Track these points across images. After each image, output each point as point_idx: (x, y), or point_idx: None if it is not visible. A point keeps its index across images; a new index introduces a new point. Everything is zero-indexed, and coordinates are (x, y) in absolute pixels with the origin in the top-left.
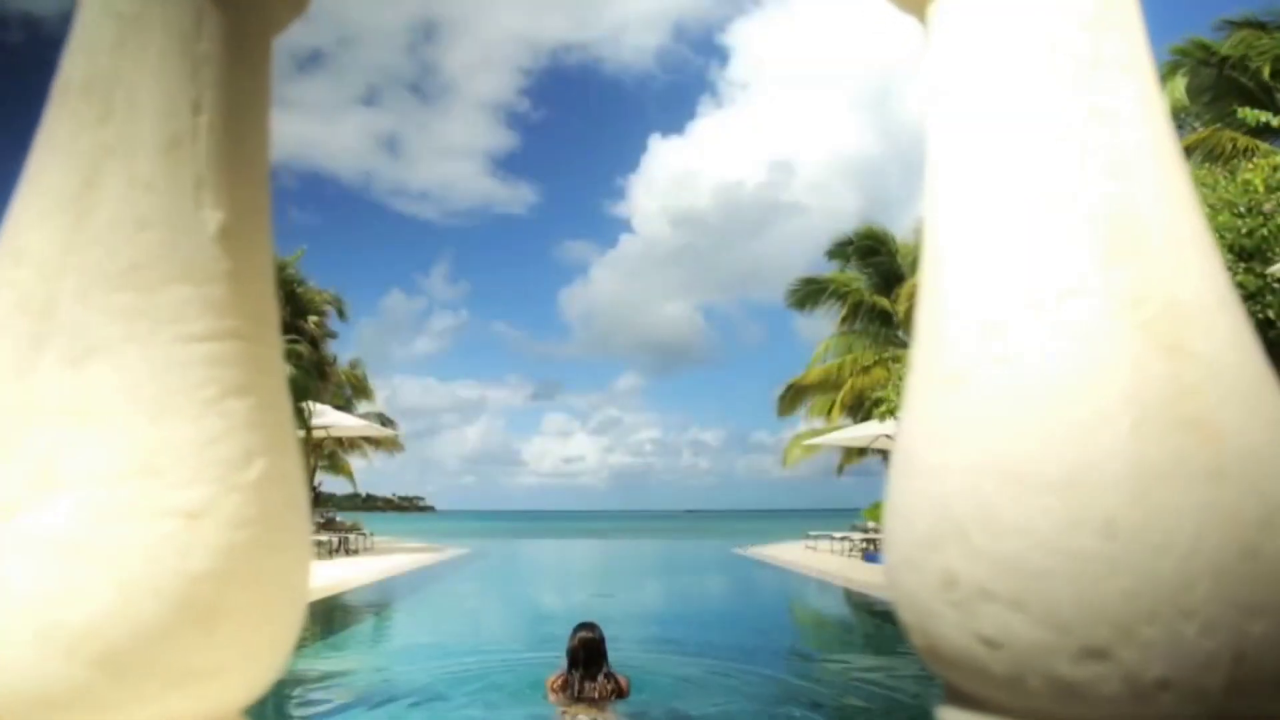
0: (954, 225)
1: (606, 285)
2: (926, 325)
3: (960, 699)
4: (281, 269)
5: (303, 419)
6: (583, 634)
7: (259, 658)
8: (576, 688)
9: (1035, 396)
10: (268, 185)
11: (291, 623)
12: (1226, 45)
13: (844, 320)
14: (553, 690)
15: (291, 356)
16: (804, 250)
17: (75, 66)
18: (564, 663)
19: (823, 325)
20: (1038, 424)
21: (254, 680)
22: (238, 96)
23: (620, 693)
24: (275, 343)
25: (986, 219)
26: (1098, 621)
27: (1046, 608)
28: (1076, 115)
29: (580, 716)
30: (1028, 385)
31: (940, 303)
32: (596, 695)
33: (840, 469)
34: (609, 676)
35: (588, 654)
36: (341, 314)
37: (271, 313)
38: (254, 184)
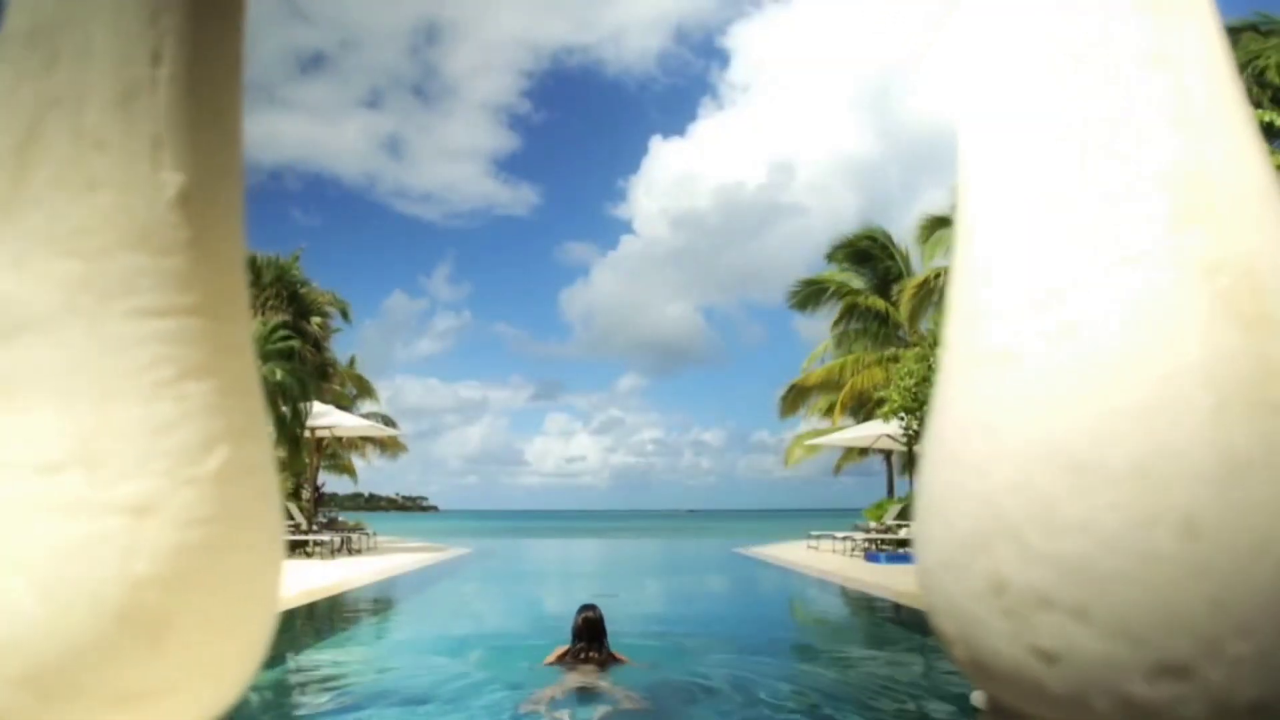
0: (996, 186)
1: (608, 286)
2: (965, 298)
3: (1007, 718)
4: (284, 270)
5: (299, 418)
6: (586, 614)
7: (217, 674)
8: (578, 659)
9: (1099, 375)
10: (238, 146)
11: (258, 634)
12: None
13: (843, 320)
14: (556, 658)
15: (293, 357)
16: (804, 251)
17: (20, 13)
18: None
19: (822, 326)
20: (1102, 406)
21: (210, 700)
22: (204, 47)
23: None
24: (243, 321)
25: (1035, 177)
26: (1178, 633)
27: (1115, 617)
28: (1136, 61)
29: (579, 680)
30: (1090, 362)
31: (981, 272)
32: (594, 659)
33: (838, 468)
34: (607, 651)
35: (590, 631)
36: (345, 315)
37: (239, 288)
38: (221, 144)
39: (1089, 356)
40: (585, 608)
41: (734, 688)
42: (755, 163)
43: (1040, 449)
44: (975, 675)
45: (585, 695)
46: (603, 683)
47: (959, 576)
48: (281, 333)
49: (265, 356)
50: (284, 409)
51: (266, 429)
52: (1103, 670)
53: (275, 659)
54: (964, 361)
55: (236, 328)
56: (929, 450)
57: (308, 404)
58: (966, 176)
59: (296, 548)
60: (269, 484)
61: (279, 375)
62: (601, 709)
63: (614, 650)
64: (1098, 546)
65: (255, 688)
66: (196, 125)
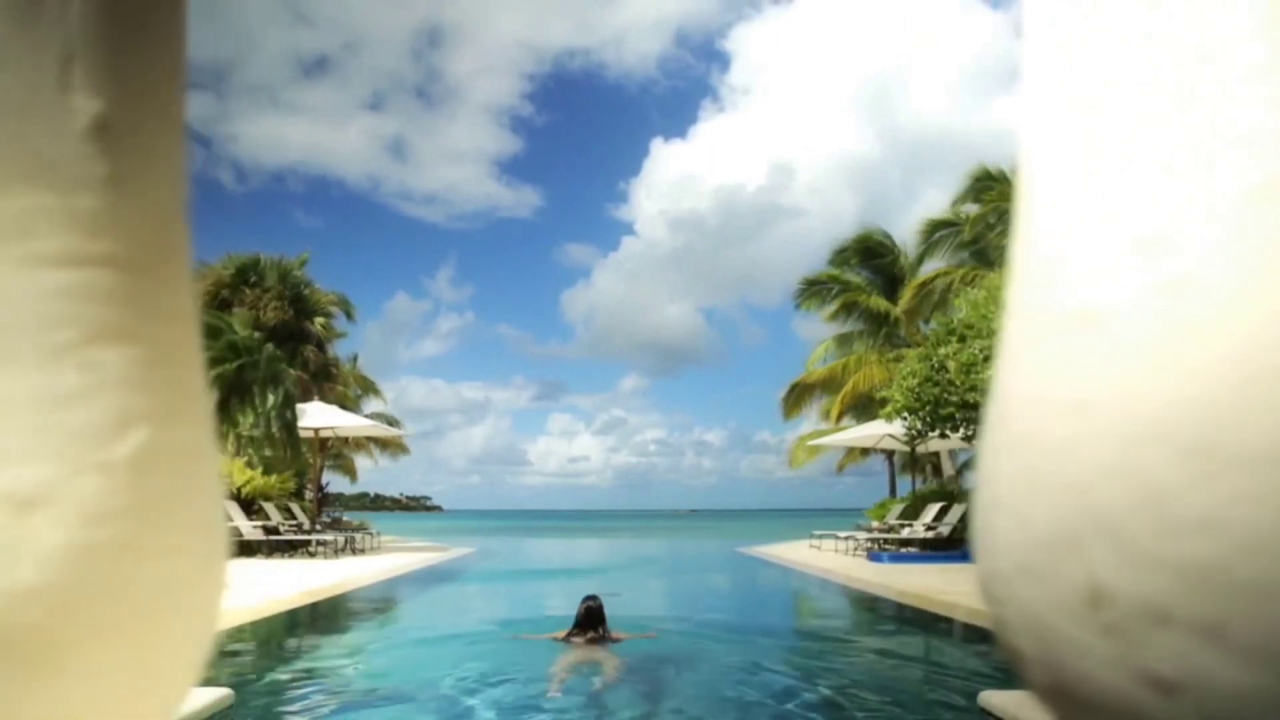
0: (1078, 114)
1: (609, 288)
2: (1036, 251)
3: None
4: (288, 271)
5: (286, 418)
6: (588, 604)
7: (130, 706)
8: (581, 638)
9: (1221, 336)
10: (177, 69)
11: (187, 657)
12: None
13: (847, 319)
14: (564, 636)
15: (298, 359)
16: (803, 253)
17: None
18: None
19: (822, 327)
20: (1227, 374)
21: None
22: None
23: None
24: (178, 279)
25: (1125, 100)
26: None
27: (1258, 637)
28: None
29: (583, 654)
30: (1208, 321)
31: (1056, 220)
32: (595, 639)
33: (840, 468)
34: (606, 631)
35: (591, 619)
36: (349, 315)
37: (177, 240)
38: (153, 65)
39: (1206, 314)
40: (588, 598)
41: (727, 663)
42: (755, 164)
43: (1146, 428)
44: (1058, 705)
45: (589, 665)
46: (602, 654)
47: (1040, 584)
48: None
49: (271, 361)
50: (288, 413)
51: (206, 410)
52: (1240, 705)
53: (276, 660)
54: (1037, 326)
55: (170, 287)
56: (991, 434)
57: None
58: (1036, 108)
59: (299, 547)
60: (205, 475)
61: (276, 377)
62: (603, 675)
63: (612, 631)
64: (1231, 549)
65: (256, 688)
66: (120, 41)
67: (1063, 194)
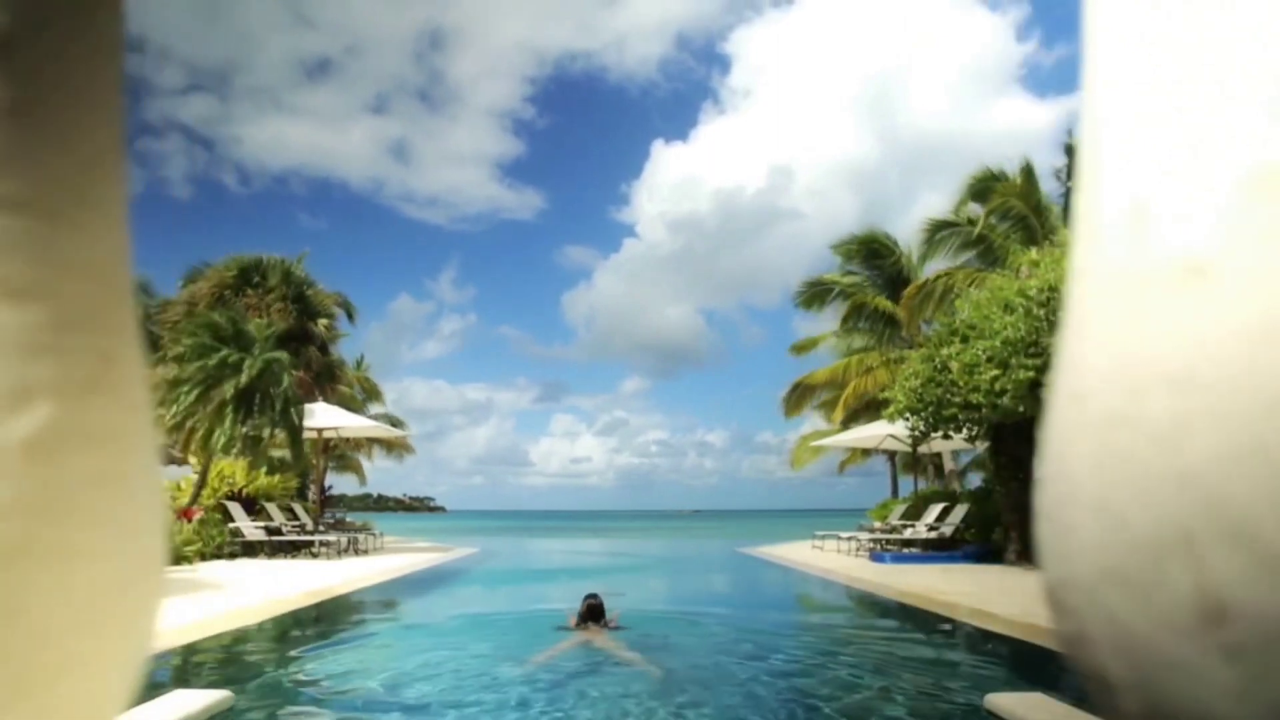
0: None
1: (611, 289)
2: (1111, 199)
3: None
4: (291, 271)
5: (290, 419)
6: (590, 601)
7: None
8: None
9: None
10: None
11: (105, 685)
12: None
13: (849, 319)
14: (568, 626)
15: (301, 360)
16: (803, 254)
17: None
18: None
19: (822, 328)
20: None
21: None
22: None
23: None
24: (103, 229)
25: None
26: None
27: None
28: None
29: (585, 636)
30: None
31: (1139, 160)
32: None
33: (842, 468)
34: (605, 623)
35: (592, 614)
36: (350, 316)
37: (104, 184)
38: None
39: None
40: (589, 596)
41: (728, 662)
42: (756, 167)
43: (1274, 404)
44: None
45: (590, 648)
46: (601, 637)
47: (1138, 594)
48: (272, 331)
49: (268, 359)
50: (292, 413)
51: (136, 385)
52: None
53: (277, 661)
54: (1121, 285)
55: (91, 237)
56: (1062, 415)
57: (304, 406)
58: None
59: (302, 548)
60: (132, 463)
61: (280, 377)
62: (603, 654)
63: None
64: None
65: (257, 690)
66: None
67: (1148, 131)
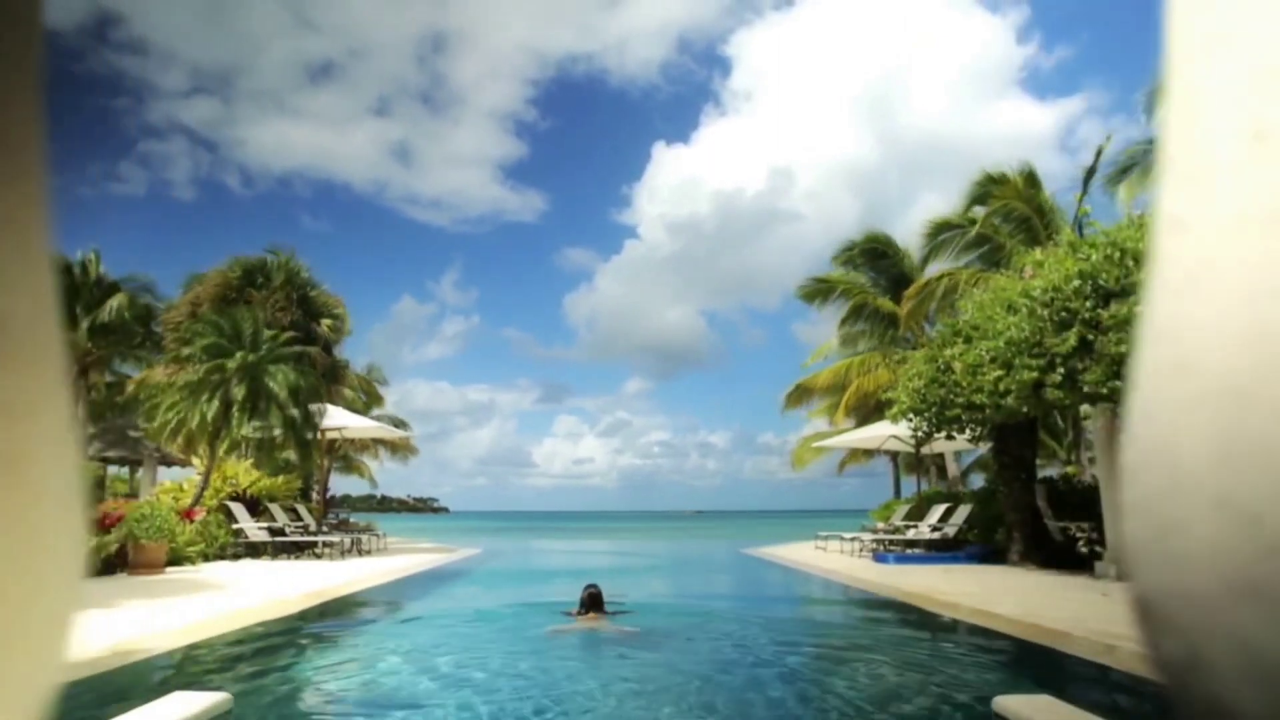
0: None
1: (612, 291)
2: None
3: None
4: (295, 273)
5: (310, 421)
6: (590, 590)
7: None
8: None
9: None
10: None
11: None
12: None
13: (851, 320)
14: (570, 614)
15: (303, 359)
16: (803, 256)
17: None
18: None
19: (822, 329)
20: None
21: None
22: None
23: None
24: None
25: None
26: None
27: None
28: None
29: (587, 622)
30: None
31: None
32: (597, 616)
33: (841, 468)
34: (605, 613)
35: (592, 603)
36: (344, 324)
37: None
38: None
39: None
40: (589, 586)
41: (729, 660)
42: (757, 169)
43: None
44: None
45: (591, 632)
46: (602, 622)
47: (1276, 612)
48: (287, 336)
49: (275, 359)
50: (294, 412)
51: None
52: None
53: (278, 662)
54: (1239, 231)
55: None
56: (1161, 389)
57: (320, 406)
58: None
59: (305, 549)
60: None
61: (290, 378)
62: (604, 636)
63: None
64: None
65: (257, 691)
66: None
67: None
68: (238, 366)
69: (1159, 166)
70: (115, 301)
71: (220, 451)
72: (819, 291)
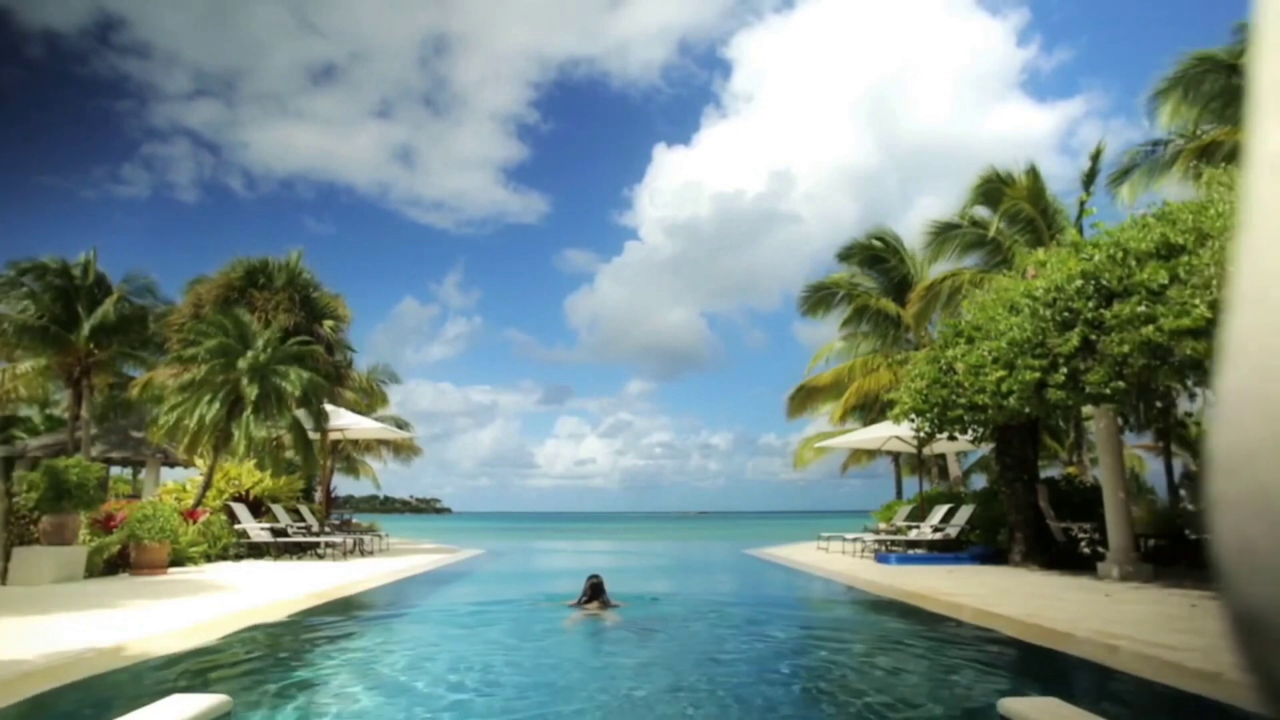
0: None
1: (614, 293)
2: None
3: None
4: (298, 274)
5: (317, 421)
6: (593, 580)
7: None
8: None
9: None
10: None
11: None
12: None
13: (853, 322)
14: (573, 605)
15: (305, 360)
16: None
17: None
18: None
19: (822, 331)
20: None
21: None
22: None
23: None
24: None
25: None
26: None
27: None
28: None
29: (589, 613)
30: None
31: None
32: (599, 605)
33: (844, 469)
34: (608, 600)
35: (594, 592)
36: (344, 324)
37: None
38: None
39: None
40: (592, 576)
41: (730, 660)
42: (757, 171)
43: None
44: None
45: (593, 621)
46: (603, 612)
47: None
48: (296, 340)
49: (281, 360)
50: (304, 411)
51: None
52: None
53: (279, 663)
54: None
55: None
56: (1248, 365)
57: (321, 407)
58: None
59: (308, 549)
60: None
61: (303, 378)
62: (605, 624)
63: (612, 600)
64: None
65: (258, 692)
66: None
67: None
68: (249, 367)
69: (1252, 105)
70: (115, 302)
71: (240, 451)
72: (821, 301)
